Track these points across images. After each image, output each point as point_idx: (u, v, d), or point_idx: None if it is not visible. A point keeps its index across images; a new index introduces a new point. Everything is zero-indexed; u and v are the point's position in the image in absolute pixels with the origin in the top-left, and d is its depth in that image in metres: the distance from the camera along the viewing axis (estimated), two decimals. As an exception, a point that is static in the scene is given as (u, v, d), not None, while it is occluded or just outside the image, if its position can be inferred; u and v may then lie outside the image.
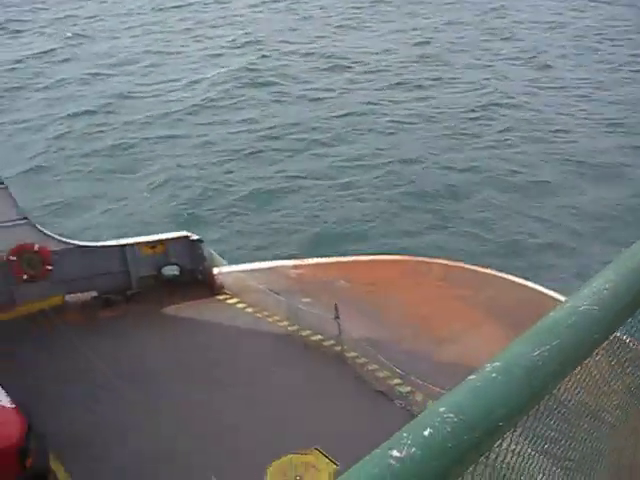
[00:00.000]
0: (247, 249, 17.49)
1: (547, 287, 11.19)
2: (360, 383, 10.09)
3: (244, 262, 13.83)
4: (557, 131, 23.81)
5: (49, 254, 12.01)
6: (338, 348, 10.66)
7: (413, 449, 1.13)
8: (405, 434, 1.17)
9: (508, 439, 1.44)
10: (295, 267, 13.02)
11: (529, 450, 1.90)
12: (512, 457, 1.65)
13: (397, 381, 9.74)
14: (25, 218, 11.92)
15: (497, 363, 1.30)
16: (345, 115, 26.00)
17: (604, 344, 1.71)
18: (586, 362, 1.71)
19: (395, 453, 1.13)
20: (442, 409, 1.22)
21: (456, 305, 11.09)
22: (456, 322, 10.58)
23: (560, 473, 2.11)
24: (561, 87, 27.76)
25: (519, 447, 1.66)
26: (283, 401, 9.75)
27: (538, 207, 18.91)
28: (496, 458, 1.47)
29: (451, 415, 1.20)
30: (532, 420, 1.52)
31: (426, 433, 1.16)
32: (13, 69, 33.90)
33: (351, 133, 24.40)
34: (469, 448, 1.18)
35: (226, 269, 12.76)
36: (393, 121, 25.10)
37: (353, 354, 10.52)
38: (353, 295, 11.66)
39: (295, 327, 11.43)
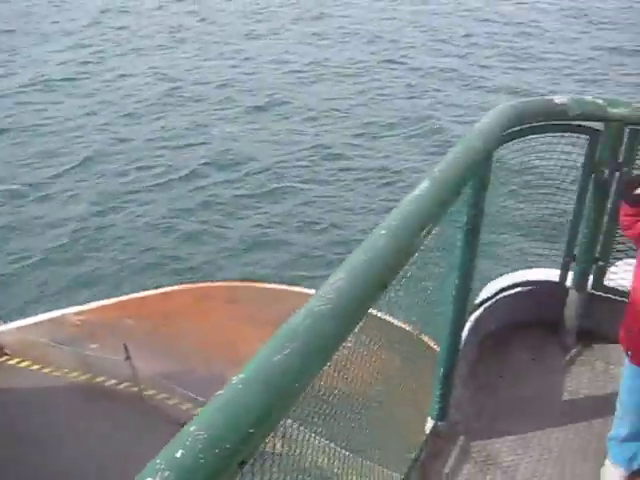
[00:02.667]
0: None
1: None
2: (162, 418, 9.88)
3: (22, 317, 12.97)
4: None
5: None
6: (135, 389, 10.36)
7: (167, 473, 1.16)
8: (158, 460, 1.19)
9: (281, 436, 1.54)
10: (78, 314, 12.42)
11: (305, 439, 2.04)
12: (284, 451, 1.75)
13: (199, 410, 9.66)
14: None
15: (242, 375, 1.37)
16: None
17: (361, 328, 1.88)
18: (343, 352, 1.86)
19: (149, 481, 1.15)
20: (193, 428, 1.26)
21: (246, 326, 11.20)
22: (246, 342, 10.67)
23: (338, 449, 2.29)
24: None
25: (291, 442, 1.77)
26: (87, 453, 9.29)
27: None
28: (263, 463, 1.55)
29: (201, 432, 1.24)
30: (300, 413, 1.63)
31: (178, 454, 1.20)
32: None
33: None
34: (223, 459, 1.23)
35: (1, 328, 11.87)
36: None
37: (151, 391, 10.27)
38: (141, 332, 11.37)
39: (87, 375, 10.92)
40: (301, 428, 2.04)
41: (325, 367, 1.64)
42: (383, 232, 1.83)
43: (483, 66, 20.61)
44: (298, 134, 16.74)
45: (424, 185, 2.12)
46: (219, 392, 1.34)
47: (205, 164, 15.60)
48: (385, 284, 1.81)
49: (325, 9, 27.18)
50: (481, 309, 3.73)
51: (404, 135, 16.41)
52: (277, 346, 1.44)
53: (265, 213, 14.30)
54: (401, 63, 20.85)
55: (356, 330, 1.79)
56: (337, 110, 17.80)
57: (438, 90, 18.88)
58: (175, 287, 13.18)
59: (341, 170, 15.10)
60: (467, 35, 23.65)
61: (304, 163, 15.47)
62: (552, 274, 3.86)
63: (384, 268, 1.76)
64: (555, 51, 21.87)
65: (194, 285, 13.06)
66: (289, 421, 1.68)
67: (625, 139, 3.34)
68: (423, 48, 22.34)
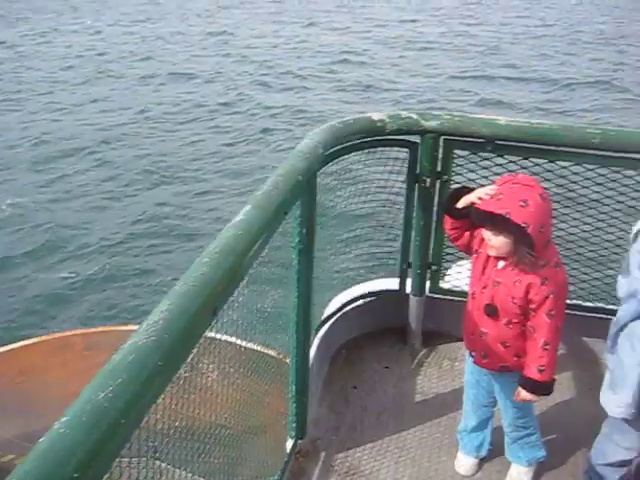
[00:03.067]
0: None
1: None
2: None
3: None
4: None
5: None
6: (-8, 456, 9.71)
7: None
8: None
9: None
10: None
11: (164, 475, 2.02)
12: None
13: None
14: None
15: (64, 418, 1.34)
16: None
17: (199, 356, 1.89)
18: (179, 383, 1.86)
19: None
20: (12, 481, 1.22)
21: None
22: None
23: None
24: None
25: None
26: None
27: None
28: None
29: (22, 484, 1.21)
30: (139, 450, 1.61)
31: (-2, 511, 1.16)
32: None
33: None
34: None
35: None
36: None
37: (9, 457, 9.66)
38: (-6, 394, 10.69)
39: None
40: (163, 465, 2.01)
41: (159, 400, 1.63)
42: (205, 260, 1.85)
43: (318, 100, 20.03)
44: (117, 201, 13.38)
45: (246, 209, 2.16)
46: (41, 439, 1.31)
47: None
48: (214, 310, 1.83)
49: (152, 49, 25.86)
50: (328, 324, 3.83)
51: (239, 192, 13.63)
52: (100, 384, 1.43)
53: (72, 309, 10.36)
54: (233, 104, 19.48)
55: (189, 359, 1.79)
56: (162, 169, 14.79)
57: (274, 131, 17.33)
58: (28, 341, 12.44)
59: (167, 245, 11.88)
60: (300, 68, 23.31)
61: (121, 238, 12.09)
62: (392, 283, 4.02)
63: (209, 295, 1.77)
64: (388, 79, 22.19)
65: (49, 337, 12.38)
66: (134, 459, 1.66)
67: (440, 149, 3.56)
68: (254, 86, 21.36)
